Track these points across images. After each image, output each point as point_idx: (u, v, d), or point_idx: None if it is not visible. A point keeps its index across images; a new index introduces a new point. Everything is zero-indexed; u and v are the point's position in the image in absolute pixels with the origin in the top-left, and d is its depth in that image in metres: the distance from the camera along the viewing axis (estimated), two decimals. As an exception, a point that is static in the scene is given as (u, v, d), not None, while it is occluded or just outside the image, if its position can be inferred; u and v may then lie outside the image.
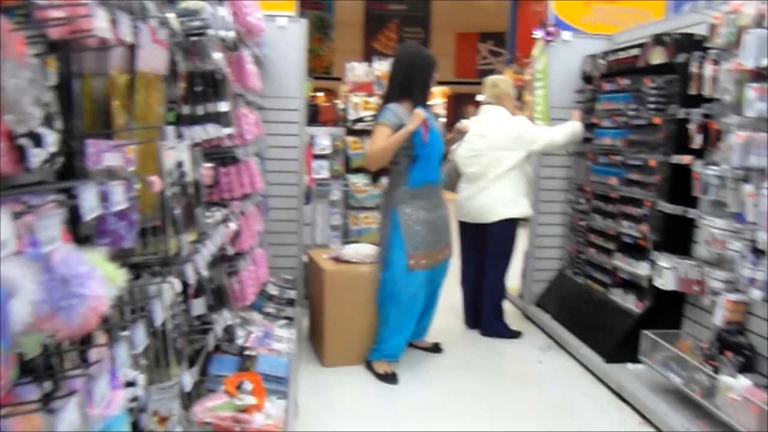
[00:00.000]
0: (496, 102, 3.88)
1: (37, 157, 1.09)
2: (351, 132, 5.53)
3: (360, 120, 5.60)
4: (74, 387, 1.10)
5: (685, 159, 2.99)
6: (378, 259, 3.39)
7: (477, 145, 3.80)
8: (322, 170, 4.88)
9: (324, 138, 4.93)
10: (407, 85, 3.23)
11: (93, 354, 1.19)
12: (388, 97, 3.29)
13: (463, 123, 3.86)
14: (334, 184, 4.80)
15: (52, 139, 1.13)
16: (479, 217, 3.83)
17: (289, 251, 4.13)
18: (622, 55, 3.69)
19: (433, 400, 3.09)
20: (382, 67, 5.89)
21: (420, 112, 3.13)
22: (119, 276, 0.97)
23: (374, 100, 5.75)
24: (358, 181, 5.54)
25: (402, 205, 3.24)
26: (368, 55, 10.75)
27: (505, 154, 3.75)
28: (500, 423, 2.87)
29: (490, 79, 4.00)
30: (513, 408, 3.02)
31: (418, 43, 3.29)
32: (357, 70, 5.84)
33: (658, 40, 3.27)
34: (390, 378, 3.26)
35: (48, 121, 1.14)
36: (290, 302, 3.75)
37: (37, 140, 1.09)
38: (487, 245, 3.87)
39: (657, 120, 3.28)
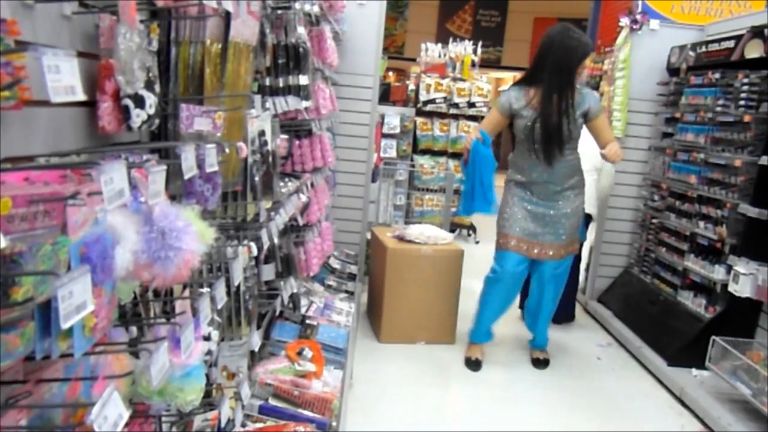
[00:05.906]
0: None
1: (138, 117, 1.16)
2: (420, 113, 5.52)
3: (431, 101, 5.58)
4: (158, 334, 1.18)
5: (776, 161, 2.82)
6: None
7: None
8: (389, 149, 4.92)
9: (394, 117, 4.96)
10: (537, 70, 2.98)
11: (178, 305, 1.26)
12: (522, 78, 3.12)
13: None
14: (400, 164, 4.82)
15: (151, 102, 1.20)
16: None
17: (353, 227, 4.19)
18: (714, 47, 3.50)
19: (486, 387, 3.10)
20: (457, 49, 5.84)
21: (470, 134, 3.17)
22: (210, 234, 1.03)
23: (446, 82, 5.71)
24: (425, 162, 5.53)
25: (510, 182, 3.22)
26: (442, 37, 10.62)
27: None
28: (553, 416, 2.85)
29: None
30: (567, 402, 2.98)
31: (567, 26, 2.96)
32: (431, 51, 5.81)
33: (757, 32, 3.09)
34: (471, 364, 3.26)
35: (149, 85, 1.21)
36: (351, 277, 3.82)
37: (139, 101, 1.16)
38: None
39: (747, 118, 3.11)
